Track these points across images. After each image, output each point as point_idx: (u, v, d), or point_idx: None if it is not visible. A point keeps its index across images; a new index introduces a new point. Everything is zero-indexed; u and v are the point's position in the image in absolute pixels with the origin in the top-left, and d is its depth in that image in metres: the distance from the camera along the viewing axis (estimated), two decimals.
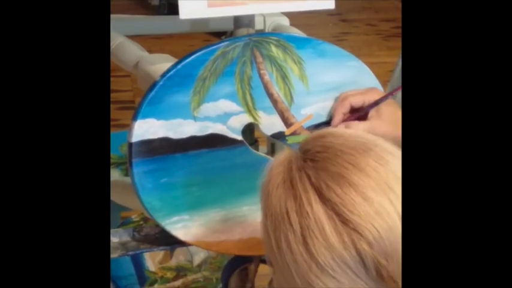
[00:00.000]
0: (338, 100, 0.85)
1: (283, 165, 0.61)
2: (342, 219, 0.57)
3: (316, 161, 0.59)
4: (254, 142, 0.93)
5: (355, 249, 0.56)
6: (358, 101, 0.84)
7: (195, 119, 0.81)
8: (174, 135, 0.80)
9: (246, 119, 0.84)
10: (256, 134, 0.92)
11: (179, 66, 0.80)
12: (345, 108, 0.84)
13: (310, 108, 0.86)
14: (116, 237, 0.91)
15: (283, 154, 0.63)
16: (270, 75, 0.84)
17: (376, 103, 0.82)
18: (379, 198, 0.57)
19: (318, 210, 0.57)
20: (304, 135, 0.86)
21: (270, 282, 1.07)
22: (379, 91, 0.86)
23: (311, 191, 0.58)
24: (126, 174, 1.11)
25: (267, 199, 0.61)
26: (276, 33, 0.90)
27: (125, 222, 1.57)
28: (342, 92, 0.87)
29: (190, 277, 1.60)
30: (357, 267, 0.56)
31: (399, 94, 0.87)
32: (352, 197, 0.57)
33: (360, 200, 0.57)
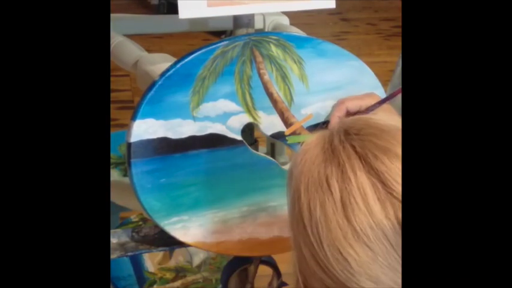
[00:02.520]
0: (335, 104, 0.85)
1: (322, 137, 0.61)
2: (386, 188, 0.56)
3: (361, 135, 0.59)
4: (254, 142, 0.93)
5: (396, 219, 0.55)
6: (354, 105, 0.84)
7: (194, 118, 0.81)
8: (173, 135, 0.80)
9: (246, 118, 0.83)
10: (256, 134, 0.91)
11: (178, 66, 0.79)
12: (341, 112, 0.84)
13: (310, 108, 0.86)
14: (115, 238, 0.91)
15: (320, 132, 0.63)
16: (270, 75, 0.83)
17: (372, 108, 0.82)
18: None
19: (362, 176, 0.57)
20: (305, 135, 0.86)
21: (270, 283, 1.07)
22: (377, 96, 0.85)
23: (355, 159, 0.58)
24: (125, 175, 1.10)
25: (303, 167, 0.60)
26: (275, 33, 0.90)
27: (123, 223, 1.58)
28: (342, 91, 0.86)
29: (190, 278, 1.60)
30: (395, 238, 0.55)
31: (399, 98, 0.86)
32: (399, 168, 0.56)
33: None
